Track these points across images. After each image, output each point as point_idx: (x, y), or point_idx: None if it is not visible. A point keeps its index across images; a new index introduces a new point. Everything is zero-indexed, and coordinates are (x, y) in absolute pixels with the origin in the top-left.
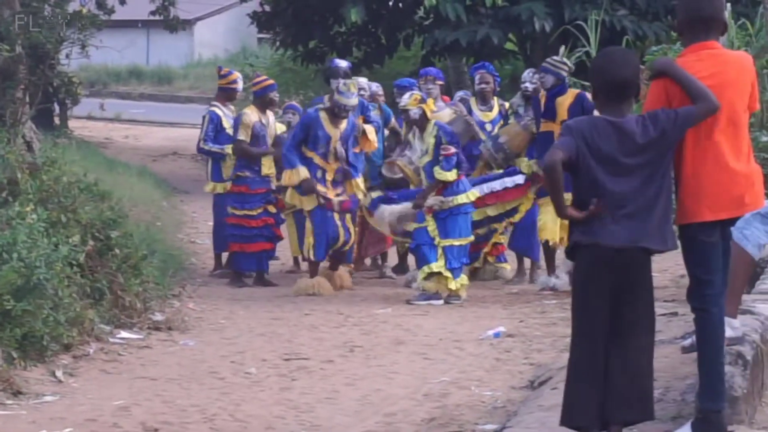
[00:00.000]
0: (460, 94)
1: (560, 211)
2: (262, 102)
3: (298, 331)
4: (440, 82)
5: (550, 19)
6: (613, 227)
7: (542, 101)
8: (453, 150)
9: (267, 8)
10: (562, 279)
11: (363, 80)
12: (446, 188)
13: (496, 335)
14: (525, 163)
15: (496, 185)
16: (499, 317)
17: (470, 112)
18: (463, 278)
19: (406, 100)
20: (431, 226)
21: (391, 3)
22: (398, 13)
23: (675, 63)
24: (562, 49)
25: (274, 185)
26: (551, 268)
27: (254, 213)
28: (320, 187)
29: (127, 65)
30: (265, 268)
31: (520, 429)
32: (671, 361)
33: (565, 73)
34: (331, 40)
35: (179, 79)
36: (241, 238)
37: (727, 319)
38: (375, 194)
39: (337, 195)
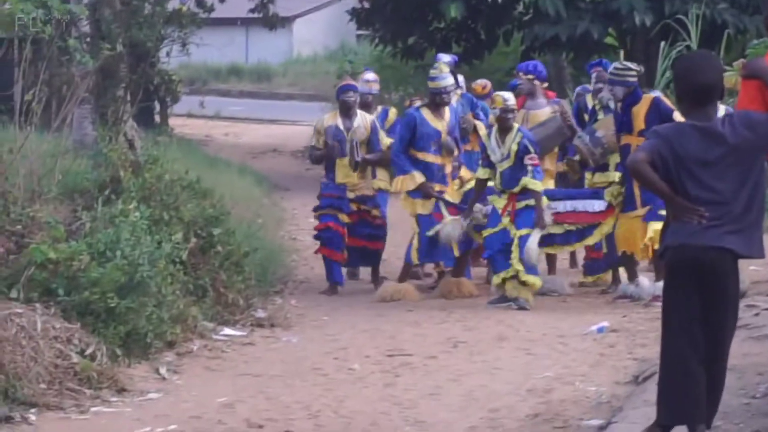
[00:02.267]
0: (578, 90)
1: (668, 200)
2: (341, 105)
3: (401, 328)
4: (531, 76)
5: (650, 13)
6: (701, 229)
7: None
8: (537, 159)
9: (366, 5)
10: (641, 287)
11: (460, 78)
12: (523, 193)
13: (600, 330)
14: (609, 192)
15: (579, 206)
16: (602, 312)
17: (586, 108)
18: (537, 280)
19: (511, 99)
20: (505, 220)
21: None
22: (497, 9)
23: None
24: (663, 44)
25: (353, 195)
26: (631, 276)
27: (320, 214)
28: (439, 187)
29: (226, 63)
30: (337, 280)
31: (626, 424)
32: None
33: (633, 80)
34: (430, 36)
35: (278, 77)
36: (321, 242)
37: None
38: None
39: (459, 188)
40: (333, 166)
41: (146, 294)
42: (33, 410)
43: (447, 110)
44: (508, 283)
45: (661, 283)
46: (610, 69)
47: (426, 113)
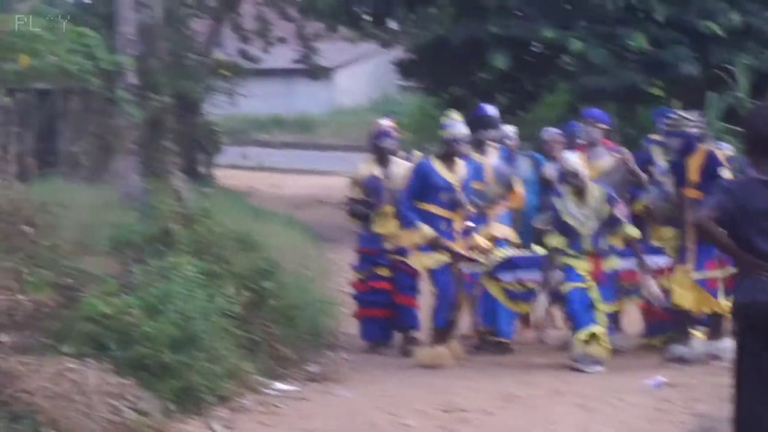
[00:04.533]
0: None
1: (735, 259)
2: (377, 152)
3: (454, 382)
4: (603, 125)
5: (696, 63)
6: None
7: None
8: (625, 206)
9: (412, 56)
10: (695, 349)
11: (510, 128)
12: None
13: (657, 385)
14: (671, 246)
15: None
16: (655, 366)
17: (651, 161)
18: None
19: (573, 160)
20: (593, 291)
21: (535, 49)
22: (543, 60)
23: None
24: (711, 94)
25: (390, 245)
26: (685, 337)
27: (361, 276)
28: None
29: (268, 114)
30: (379, 339)
31: None
32: None
33: (692, 130)
34: (474, 87)
35: (320, 127)
36: (361, 303)
37: None
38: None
39: (469, 249)
40: (369, 217)
41: (199, 348)
42: None
43: (460, 162)
44: (595, 347)
45: (717, 343)
46: (666, 120)
47: (437, 164)
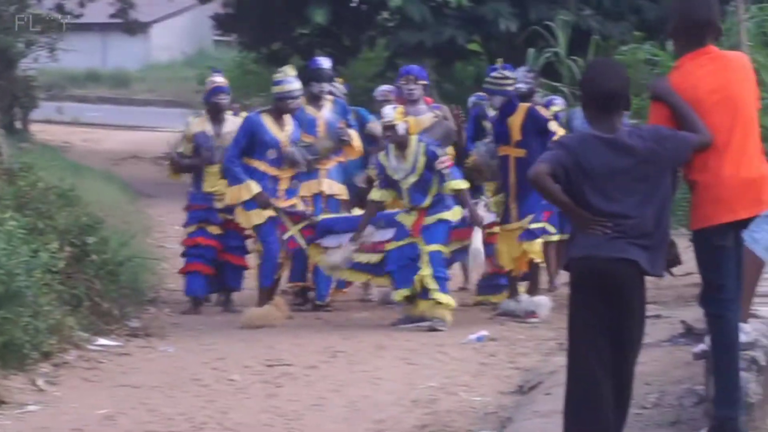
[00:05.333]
0: (472, 99)
1: (570, 215)
2: (210, 109)
3: (279, 337)
4: (423, 82)
5: (515, 20)
6: (606, 241)
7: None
8: (450, 160)
9: (229, 10)
10: (521, 303)
11: (338, 84)
12: (433, 206)
13: (479, 339)
14: (495, 200)
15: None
16: (479, 321)
17: (485, 116)
18: (451, 299)
19: (390, 114)
20: (418, 245)
21: (354, 4)
22: (362, 15)
23: (672, 89)
24: (530, 50)
25: (220, 204)
26: (513, 293)
27: (189, 231)
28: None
29: (83, 69)
30: (198, 294)
31: None
32: (662, 365)
33: (511, 89)
34: (294, 42)
35: (136, 82)
36: (187, 258)
37: (739, 325)
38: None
39: (291, 206)
40: (200, 175)
41: (22, 304)
42: None
43: (289, 119)
44: (421, 303)
45: (537, 299)
46: (488, 78)
47: (267, 120)
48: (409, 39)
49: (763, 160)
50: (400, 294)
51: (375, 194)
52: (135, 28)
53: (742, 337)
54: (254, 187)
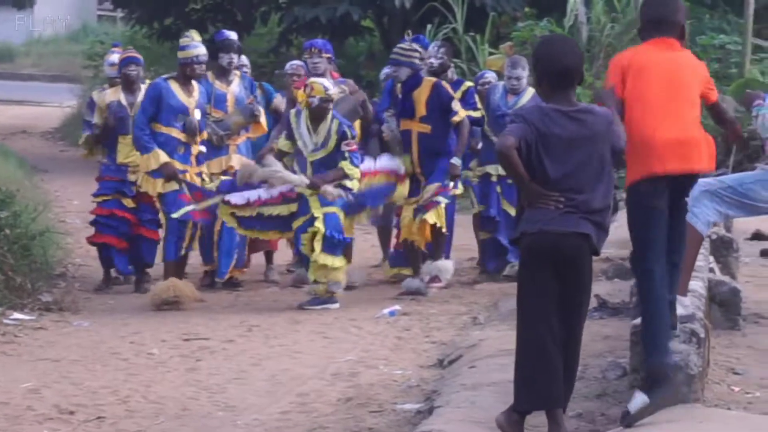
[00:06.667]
0: (386, 71)
1: (525, 189)
2: (123, 79)
3: (192, 313)
4: (327, 55)
5: None
6: (559, 215)
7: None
8: (355, 145)
9: None
10: (424, 279)
11: (244, 58)
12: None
13: (392, 314)
14: (408, 161)
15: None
16: (389, 296)
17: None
18: (343, 260)
19: (329, 86)
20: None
21: None
22: None
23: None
24: (429, 27)
25: (134, 177)
26: (415, 269)
27: (101, 200)
28: (180, 166)
29: None
30: (115, 268)
31: (452, 408)
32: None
33: (418, 62)
34: (186, 17)
35: (19, 57)
36: (99, 228)
37: (678, 298)
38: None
39: (199, 173)
40: (114, 146)
41: None
42: None
43: (196, 86)
44: (312, 267)
45: (439, 263)
46: (396, 49)
47: (174, 86)
48: (304, 14)
49: (699, 127)
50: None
51: (281, 143)
52: (23, 2)
53: (680, 310)
54: (162, 157)
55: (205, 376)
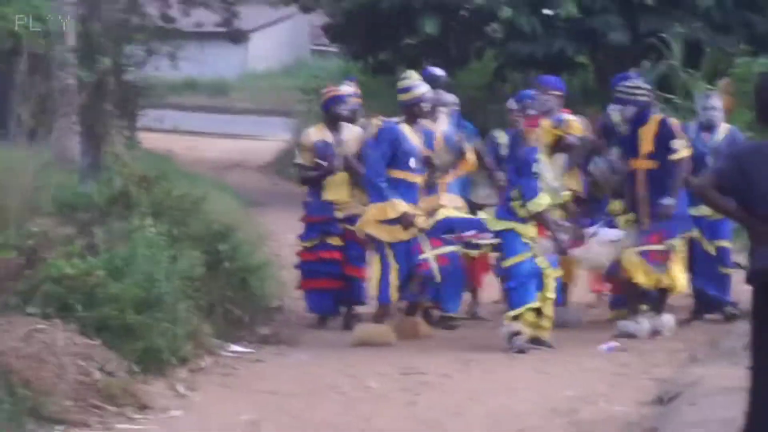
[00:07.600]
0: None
1: (745, 224)
2: (329, 117)
3: (408, 347)
4: (558, 92)
5: (625, 32)
6: None
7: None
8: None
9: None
10: (643, 324)
11: (451, 96)
12: None
13: (610, 350)
14: (624, 219)
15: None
16: (607, 331)
17: (613, 127)
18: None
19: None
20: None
21: (464, 15)
22: (471, 26)
23: None
24: (645, 63)
25: (341, 214)
26: (632, 311)
27: (309, 245)
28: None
29: (182, 77)
30: (328, 311)
31: None
32: None
33: (644, 99)
34: (401, 52)
35: (234, 91)
36: (307, 274)
37: None
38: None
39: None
40: (320, 184)
41: (162, 310)
42: (60, 428)
43: (419, 126)
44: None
45: (662, 318)
46: (619, 87)
47: (406, 129)
48: (519, 50)
49: None
50: (507, 317)
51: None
52: (238, 37)
53: None
54: (400, 206)
55: (424, 410)
